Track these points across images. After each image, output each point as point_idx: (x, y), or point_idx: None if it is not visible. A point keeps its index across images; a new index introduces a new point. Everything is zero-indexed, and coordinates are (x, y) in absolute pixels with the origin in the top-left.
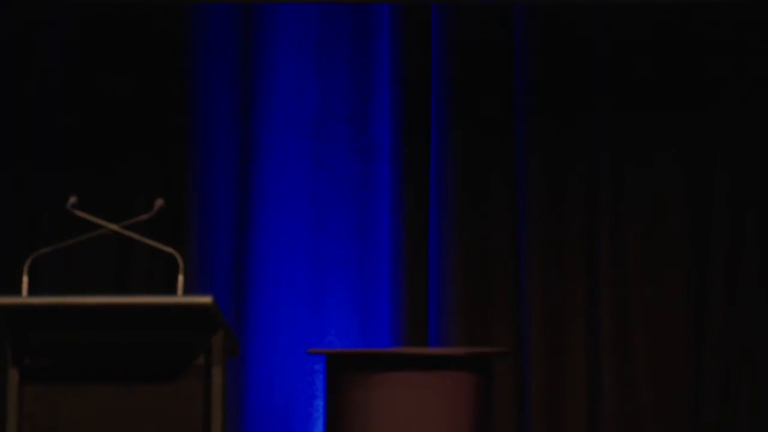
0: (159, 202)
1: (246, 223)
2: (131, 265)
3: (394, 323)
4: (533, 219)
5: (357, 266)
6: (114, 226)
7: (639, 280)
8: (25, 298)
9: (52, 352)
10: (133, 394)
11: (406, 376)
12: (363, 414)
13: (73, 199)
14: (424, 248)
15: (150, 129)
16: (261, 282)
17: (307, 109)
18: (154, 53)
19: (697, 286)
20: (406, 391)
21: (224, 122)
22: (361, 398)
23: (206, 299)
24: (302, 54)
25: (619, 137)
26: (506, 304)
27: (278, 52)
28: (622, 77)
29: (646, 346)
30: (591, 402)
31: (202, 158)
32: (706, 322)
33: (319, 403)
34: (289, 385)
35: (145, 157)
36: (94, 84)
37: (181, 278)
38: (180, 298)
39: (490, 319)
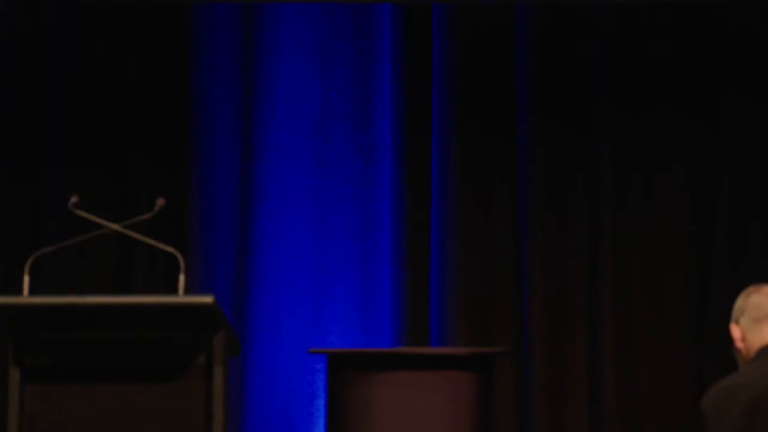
0: (160, 202)
1: (247, 222)
2: (133, 265)
3: (395, 322)
4: (535, 218)
5: (359, 265)
6: (115, 226)
7: (641, 281)
8: (26, 297)
9: (53, 352)
10: (134, 394)
11: (407, 376)
12: (364, 413)
13: (74, 199)
14: (426, 247)
15: (152, 128)
16: (262, 281)
17: (309, 108)
18: (156, 53)
19: (699, 288)
20: (408, 390)
21: (226, 122)
22: (362, 398)
23: (207, 299)
24: (304, 53)
25: (623, 137)
26: (508, 303)
27: (280, 52)
28: (626, 77)
29: (647, 347)
30: (592, 402)
31: (204, 157)
32: (708, 324)
33: (321, 403)
34: (291, 385)
35: (147, 157)
36: (96, 83)
37: (182, 278)
38: (181, 297)
39: (492, 318)
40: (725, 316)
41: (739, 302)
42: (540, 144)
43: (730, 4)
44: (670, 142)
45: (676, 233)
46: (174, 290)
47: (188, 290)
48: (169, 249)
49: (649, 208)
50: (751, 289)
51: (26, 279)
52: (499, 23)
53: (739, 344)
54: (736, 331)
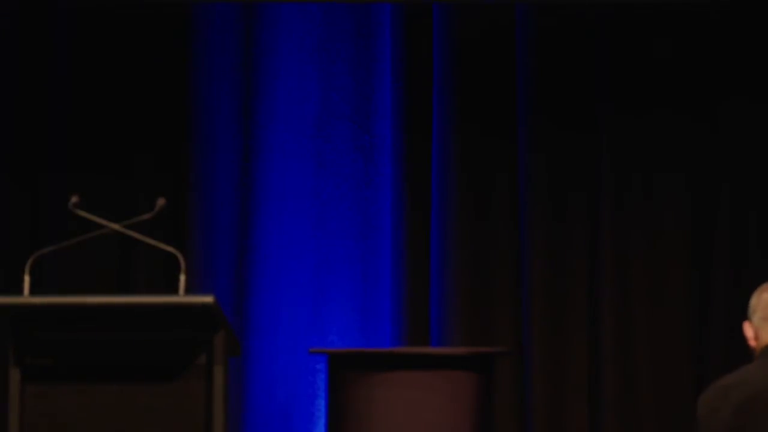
0: (160, 202)
1: (248, 222)
2: (133, 265)
3: (395, 323)
4: (535, 219)
5: (359, 265)
6: (116, 226)
7: (641, 280)
8: (26, 297)
9: (53, 352)
10: (135, 394)
11: (407, 376)
12: (364, 413)
13: (74, 199)
14: (426, 248)
15: (152, 128)
16: (262, 281)
17: (309, 108)
18: (156, 53)
19: (699, 287)
20: (408, 390)
21: (226, 122)
22: (362, 398)
23: (208, 299)
24: (304, 53)
25: (623, 137)
26: (508, 303)
27: (280, 52)
28: (626, 77)
29: (647, 346)
30: (592, 402)
31: (204, 157)
32: (708, 324)
33: (321, 403)
34: (291, 385)
35: (147, 157)
36: (96, 84)
37: (182, 278)
38: (181, 297)
39: (492, 318)
40: (725, 316)
41: (753, 301)
42: (540, 144)
43: (731, 4)
44: (670, 142)
45: (676, 233)
46: (174, 290)
47: (189, 290)
48: (170, 249)
49: (649, 208)
50: (764, 286)
51: (26, 279)
52: (499, 23)
53: (752, 342)
54: (749, 330)
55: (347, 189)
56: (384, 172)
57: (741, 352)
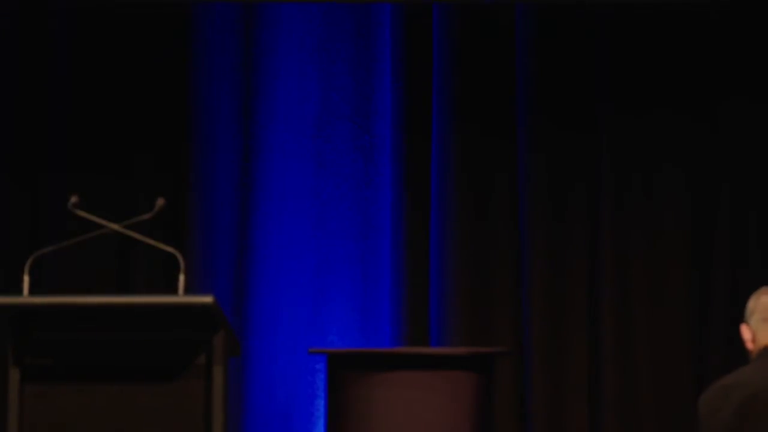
0: (160, 202)
1: (247, 222)
2: (132, 265)
3: (395, 323)
4: (535, 219)
5: (358, 265)
6: (115, 226)
7: (641, 280)
8: (26, 297)
9: (53, 352)
10: (134, 394)
11: (407, 376)
12: (364, 413)
13: (74, 199)
14: (426, 248)
15: (152, 128)
16: (262, 281)
17: (309, 108)
18: (156, 53)
19: (699, 287)
20: (407, 390)
21: (226, 122)
22: (362, 398)
23: (207, 299)
24: (304, 53)
25: (623, 137)
26: (508, 303)
27: (280, 52)
28: (626, 77)
29: (647, 346)
30: (592, 402)
31: (204, 157)
32: (708, 324)
33: (320, 403)
34: (291, 385)
35: (147, 157)
36: (96, 84)
37: (182, 278)
38: (181, 297)
39: (492, 318)
40: (725, 316)
41: (751, 303)
42: (540, 144)
43: (731, 4)
44: (670, 142)
45: (676, 233)
46: (174, 290)
47: (188, 290)
48: (169, 249)
49: (649, 208)
50: (762, 289)
51: (26, 279)
52: (498, 23)
53: (749, 345)
54: (746, 332)
55: (347, 189)
56: (384, 172)
57: (740, 352)
